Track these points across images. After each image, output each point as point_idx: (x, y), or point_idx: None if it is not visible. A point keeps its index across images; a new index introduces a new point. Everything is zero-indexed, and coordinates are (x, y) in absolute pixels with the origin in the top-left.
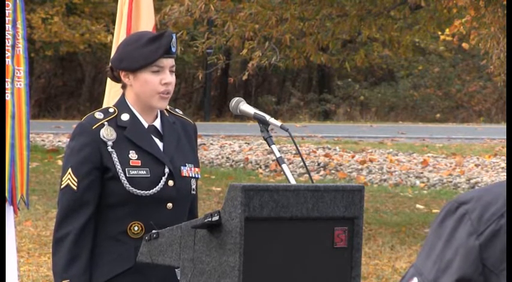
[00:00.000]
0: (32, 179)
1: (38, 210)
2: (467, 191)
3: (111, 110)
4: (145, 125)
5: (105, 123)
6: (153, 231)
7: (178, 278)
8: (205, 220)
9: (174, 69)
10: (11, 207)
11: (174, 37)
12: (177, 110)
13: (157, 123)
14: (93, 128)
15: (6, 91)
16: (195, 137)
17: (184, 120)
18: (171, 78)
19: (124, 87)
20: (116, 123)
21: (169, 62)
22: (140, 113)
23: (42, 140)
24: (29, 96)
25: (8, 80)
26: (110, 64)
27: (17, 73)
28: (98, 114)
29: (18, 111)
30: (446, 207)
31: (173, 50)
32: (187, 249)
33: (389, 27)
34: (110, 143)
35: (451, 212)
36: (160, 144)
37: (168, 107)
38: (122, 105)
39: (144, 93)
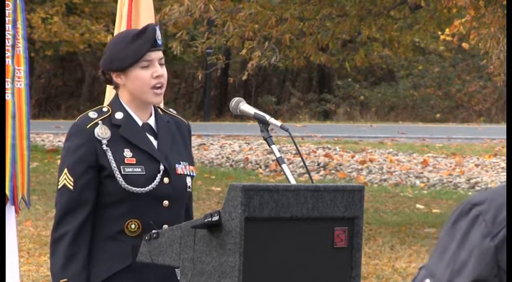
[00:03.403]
0: (32, 179)
1: (38, 210)
2: (467, 191)
3: (105, 109)
4: (140, 123)
5: (99, 122)
6: (153, 231)
7: (178, 278)
8: (205, 220)
9: (163, 61)
10: (12, 207)
11: (157, 30)
12: (171, 109)
13: (151, 122)
14: (88, 127)
15: (6, 91)
16: (190, 136)
17: (179, 119)
18: (161, 71)
19: (117, 87)
20: (110, 121)
21: (157, 54)
22: (135, 111)
23: (42, 140)
24: (29, 96)
25: (8, 80)
26: (101, 68)
27: (17, 73)
28: (92, 114)
29: (18, 111)
30: (458, 208)
31: (159, 42)
32: (187, 249)
33: (389, 27)
34: (104, 141)
35: (464, 213)
36: (154, 142)
37: (162, 107)
38: (115, 104)
39: (137, 90)
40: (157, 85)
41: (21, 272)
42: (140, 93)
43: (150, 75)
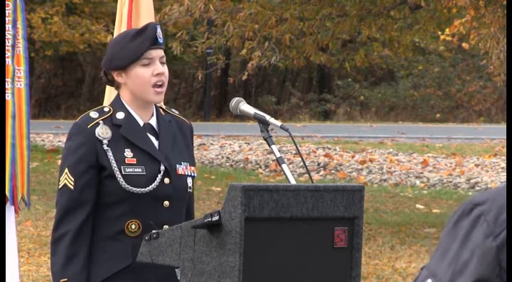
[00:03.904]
0: (32, 179)
1: (38, 210)
2: (467, 191)
3: (106, 109)
4: (141, 123)
5: (100, 122)
6: (153, 231)
7: (178, 278)
8: (205, 220)
9: (164, 60)
10: (12, 207)
11: (158, 28)
12: (173, 109)
13: (153, 122)
14: (89, 127)
15: (6, 91)
16: (191, 136)
17: (180, 119)
18: (162, 69)
19: (118, 87)
20: (111, 121)
21: (158, 52)
22: (136, 111)
23: (42, 140)
24: (29, 96)
25: (8, 80)
26: (103, 68)
27: (17, 73)
28: (93, 114)
29: (18, 111)
30: (460, 208)
31: (160, 40)
32: (187, 249)
33: (389, 27)
34: (105, 141)
35: (466, 213)
36: (156, 142)
37: (164, 107)
38: (117, 104)
39: (138, 88)
40: (158, 83)
41: (21, 272)
42: (141, 92)
43: (151, 73)
